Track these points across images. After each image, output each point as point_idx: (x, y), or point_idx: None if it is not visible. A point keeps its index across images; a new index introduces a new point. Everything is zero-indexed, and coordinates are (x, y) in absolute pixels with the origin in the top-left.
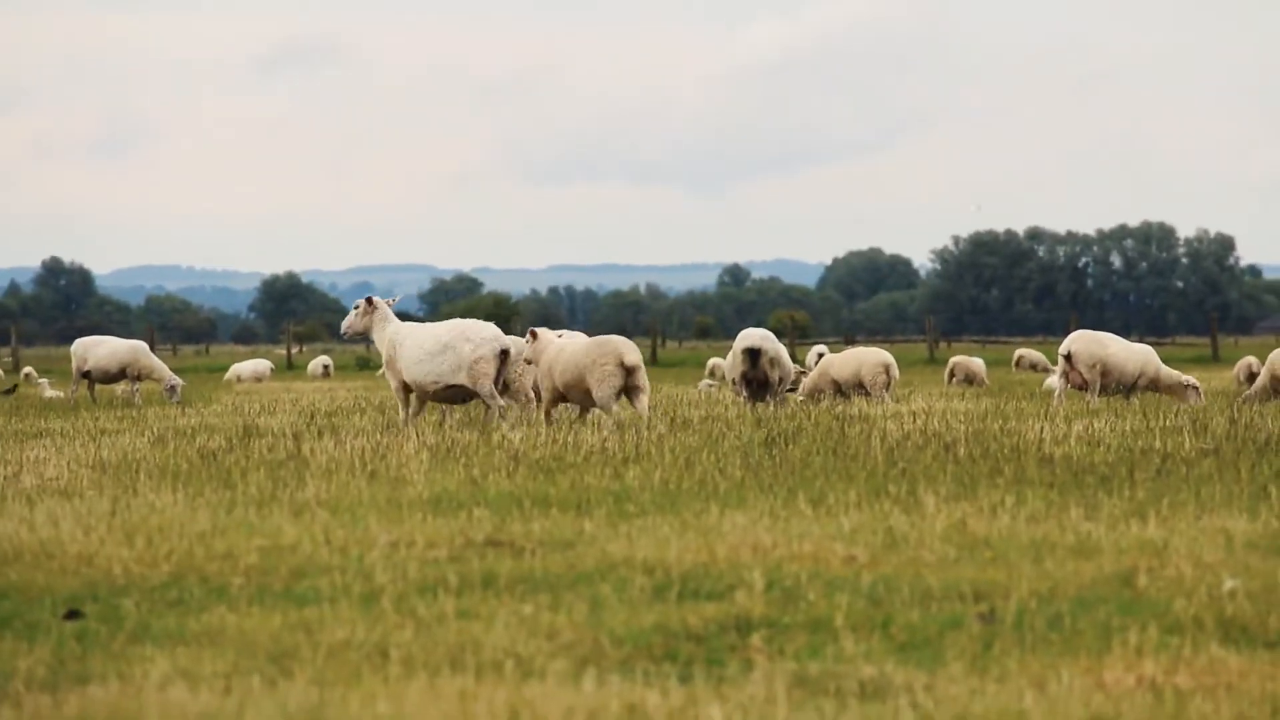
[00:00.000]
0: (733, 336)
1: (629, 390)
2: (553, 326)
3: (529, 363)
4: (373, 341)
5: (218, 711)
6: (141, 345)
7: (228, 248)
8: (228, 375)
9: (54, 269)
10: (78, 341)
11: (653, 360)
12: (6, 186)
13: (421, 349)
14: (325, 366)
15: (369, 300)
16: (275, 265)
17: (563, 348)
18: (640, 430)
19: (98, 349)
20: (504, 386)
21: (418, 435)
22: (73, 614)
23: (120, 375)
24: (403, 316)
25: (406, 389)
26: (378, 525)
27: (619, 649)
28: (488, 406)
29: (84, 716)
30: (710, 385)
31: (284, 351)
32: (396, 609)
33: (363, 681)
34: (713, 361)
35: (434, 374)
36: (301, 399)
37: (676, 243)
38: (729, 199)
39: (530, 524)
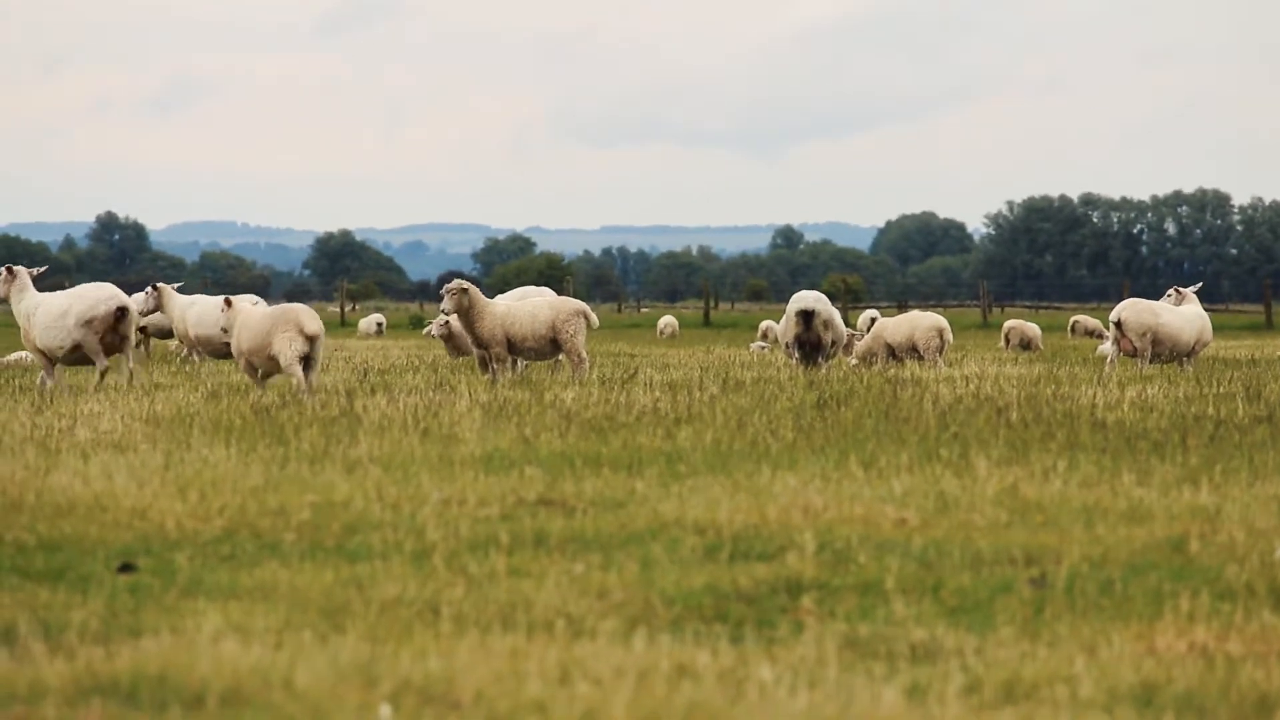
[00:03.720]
0: (785, 299)
1: (303, 359)
2: (604, 286)
3: (225, 331)
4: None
5: (269, 665)
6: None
7: (282, 205)
8: None
9: (108, 224)
10: (134, 296)
11: (705, 322)
12: (63, 141)
13: (49, 315)
14: (379, 324)
15: (8, 268)
16: (329, 223)
17: (250, 314)
18: (691, 391)
19: None
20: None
21: (470, 394)
22: (126, 567)
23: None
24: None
25: (44, 355)
26: (430, 483)
27: (670, 609)
28: (94, 364)
29: (136, 669)
30: (762, 347)
31: (337, 309)
32: (448, 566)
33: (414, 638)
34: (765, 324)
35: (59, 338)
36: (355, 357)
37: (729, 205)
38: (783, 161)
39: (582, 483)
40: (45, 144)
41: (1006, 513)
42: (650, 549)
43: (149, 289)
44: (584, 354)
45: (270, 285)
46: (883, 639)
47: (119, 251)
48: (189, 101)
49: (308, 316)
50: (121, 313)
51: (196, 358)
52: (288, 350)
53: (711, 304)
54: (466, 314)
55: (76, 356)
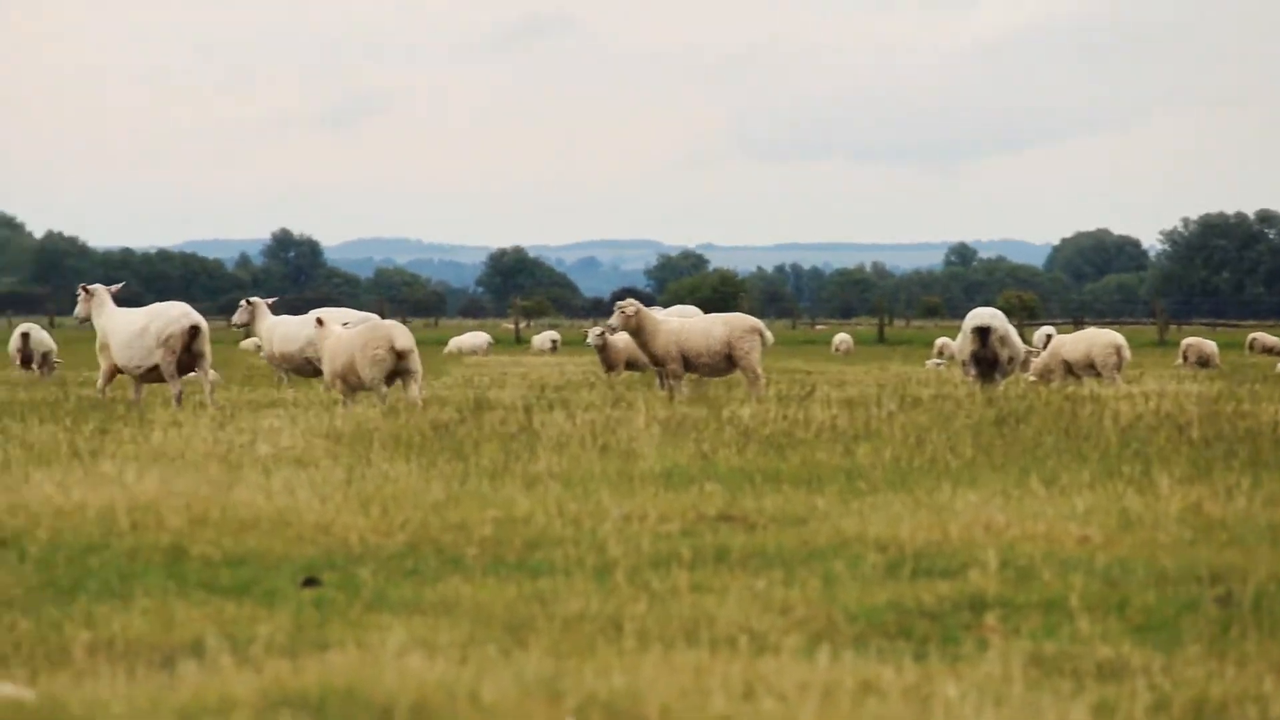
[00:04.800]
0: (959, 316)
1: (401, 374)
2: (778, 303)
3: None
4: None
5: (455, 680)
6: (374, 318)
7: (455, 222)
8: (448, 348)
9: (284, 241)
10: (313, 312)
11: (880, 339)
12: (238, 160)
13: (126, 334)
14: (553, 341)
15: (85, 287)
16: (502, 240)
17: (340, 335)
18: (869, 408)
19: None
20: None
21: (647, 410)
22: (310, 581)
23: None
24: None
25: (116, 371)
26: (610, 498)
27: (853, 625)
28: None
29: (324, 682)
30: (939, 364)
31: (511, 326)
32: (630, 582)
33: (597, 653)
34: (941, 341)
35: (137, 357)
36: (530, 373)
37: (903, 221)
38: (956, 177)
39: (761, 499)
40: (222, 161)
41: (1191, 530)
42: (832, 565)
43: (243, 302)
44: (759, 371)
45: (444, 302)
46: (1068, 657)
47: (294, 268)
48: (363, 118)
49: (398, 332)
50: (195, 331)
51: (283, 376)
52: (371, 370)
53: (886, 321)
54: (638, 333)
55: (153, 375)
